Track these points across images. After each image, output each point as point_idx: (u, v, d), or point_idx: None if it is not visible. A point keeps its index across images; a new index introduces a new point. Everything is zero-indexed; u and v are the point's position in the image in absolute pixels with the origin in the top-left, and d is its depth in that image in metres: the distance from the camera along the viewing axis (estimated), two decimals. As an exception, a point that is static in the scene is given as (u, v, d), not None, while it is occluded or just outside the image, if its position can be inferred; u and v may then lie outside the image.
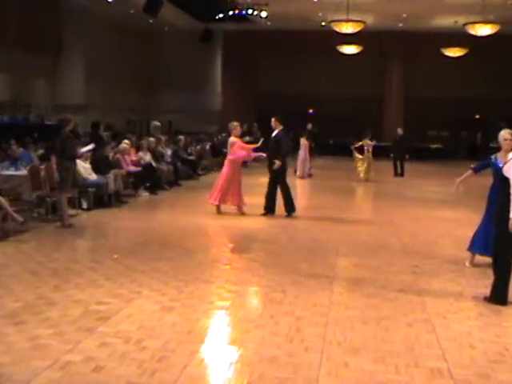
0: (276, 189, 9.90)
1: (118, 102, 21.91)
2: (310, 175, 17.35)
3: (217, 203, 9.88)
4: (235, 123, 10.14)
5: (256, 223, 9.42)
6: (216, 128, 25.51)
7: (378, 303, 5.26)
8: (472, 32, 19.43)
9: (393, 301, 5.35)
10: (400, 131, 18.32)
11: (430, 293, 5.64)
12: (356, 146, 17.17)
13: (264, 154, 10.04)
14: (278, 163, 9.84)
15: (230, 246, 7.93)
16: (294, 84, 28.07)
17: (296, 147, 17.52)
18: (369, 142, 16.68)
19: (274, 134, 9.93)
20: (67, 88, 19.47)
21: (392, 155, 17.74)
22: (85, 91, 19.89)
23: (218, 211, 9.95)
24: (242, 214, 9.96)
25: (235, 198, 9.95)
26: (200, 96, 25.95)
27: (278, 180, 9.86)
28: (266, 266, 6.58)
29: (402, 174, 17.68)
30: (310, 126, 18.36)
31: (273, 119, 10.02)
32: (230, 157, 9.96)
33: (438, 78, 27.07)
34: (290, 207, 9.88)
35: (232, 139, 10.01)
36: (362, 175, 16.57)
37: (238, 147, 9.87)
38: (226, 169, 9.95)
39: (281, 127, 9.95)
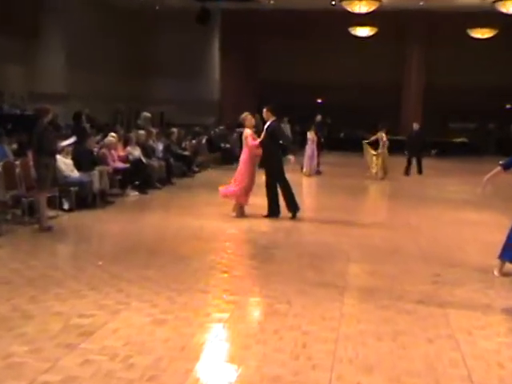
0: (276, 189, 9.89)
1: (103, 90, 21.90)
2: (318, 172, 17.36)
3: (226, 197, 9.90)
4: (245, 113, 10.11)
5: (258, 226, 9.42)
6: (213, 120, 25.52)
7: (394, 316, 5.25)
8: (503, 10, 19.35)
9: (411, 314, 5.34)
10: (416, 126, 18.32)
11: (453, 305, 5.62)
12: (369, 140, 17.16)
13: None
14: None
15: (229, 251, 7.92)
16: (300, 71, 28.10)
17: (303, 141, 17.53)
18: (384, 137, 16.67)
19: (266, 126, 9.92)
20: (45, 74, 19.44)
21: (406, 152, 17.69)
22: (65, 78, 19.88)
23: (241, 213, 9.90)
24: (242, 214, 9.94)
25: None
26: (195, 84, 25.95)
27: (276, 178, 9.83)
28: (269, 274, 6.57)
29: (420, 172, 17.70)
30: (319, 117, 18.33)
31: (264, 109, 10.00)
32: (245, 151, 9.91)
33: (464, 63, 27.00)
34: (292, 206, 9.86)
35: (245, 132, 9.97)
36: (376, 173, 16.57)
37: (251, 140, 9.82)
38: (242, 166, 9.87)
39: (273, 118, 9.95)
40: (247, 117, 10.02)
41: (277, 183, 9.86)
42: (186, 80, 25.72)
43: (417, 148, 17.70)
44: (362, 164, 17.47)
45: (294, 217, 9.85)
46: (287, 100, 25.87)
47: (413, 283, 6.33)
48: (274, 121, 9.95)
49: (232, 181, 10.00)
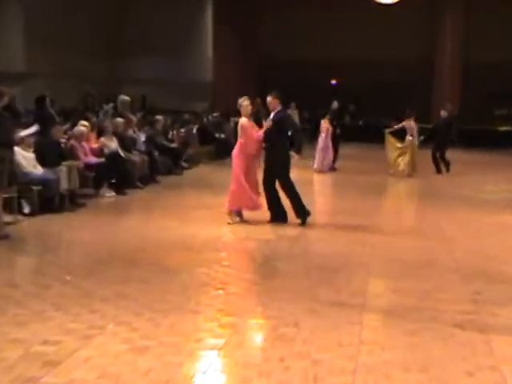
0: (275, 189, 9.89)
1: (71, 69, 21.88)
2: (333, 169, 17.35)
3: (231, 210, 9.87)
4: (243, 98, 10.07)
5: (259, 233, 9.41)
6: (206, 105, 25.53)
7: (424, 343, 5.23)
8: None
9: (445, 340, 5.31)
10: (444, 113, 18.20)
11: (496, 329, 5.60)
12: (392, 129, 17.10)
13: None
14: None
15: (224, 263, 7.90)
16: (309, 46, 28.07)
17: (313, 131, 17.51)
18: (414, 125, 16.61)
19: (272, 116, 9.89)
20: (2, 52, 19.42)
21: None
22: (26, 55, 19.89)
23: (239, 218, 9.94)
24: (240, 219, 9.93)
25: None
26: (184, 63, 25.99)
27: (279, 177, 9.79)
28: (273, 291, 6.56)
29: (447, 169, 17.51)
30: (335, 104, 18.28)
31: (270, 97, 9.94)
32: (238, 144, 9.91)
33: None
34: (301, 211, 9.82)
35: (241, 121, 9.94)
36: (402, 169, 16.53)
37: (249, 132, 9.77)
38: (235, 160, 9.83)
39: (280, 107, 9.97)
40: (243, 103, 9.98)
41: (275, 183, 9.81)
42: (172, 58, 25.76)
43: (445, 140, 17.57)
44: (384, 158, 17.47)
45: (303, 223, 9.83)
46: (293, 80, 25.89)
47: (447, 303, 6.31)
48: (279, 111, 9.96)
49: (229, 197, 9.89)
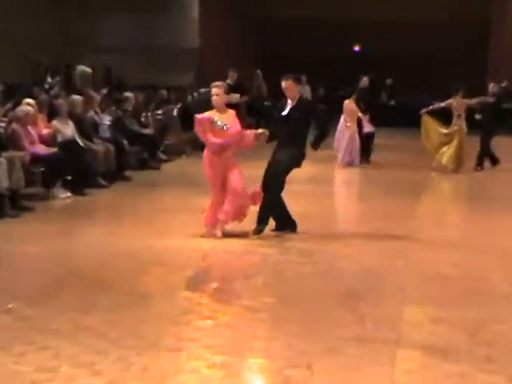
0: (279, 192, 9.92)
1: (13, 33, 21.81)
2: (367, 162, 17.45)
3: (206, 224, 9.94)
4: (215, 83, 10.05)
5: (260, 245, 9.44)
6: (190, 79, 25.52)
7: (476, 388, 5.22)
8: None
9: (503, 384, 5.30)
10: (493, 88, 17.97)
11: None
12: (429, 109, 17.02)
13: (261, 131, 10.01)
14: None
15: (213, 285, 7.90)
16: (325, 3, 28.06)
17: (331, 113, 17.50)
18: (465, 101, 16.51)
19: (292, 105, 9.90)
20: None
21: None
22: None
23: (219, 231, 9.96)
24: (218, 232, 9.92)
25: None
26: (161, 24, 25.97)
27: (274, 176, 9.81)
28: (278, 322, 6.58)
29: (481, 163, 17.39)
30: (365, 80, 18.12)
31: (286, 82, 9.85)
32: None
33: None
34: (264, 219, 9.88)
35: (208, 115, 10.03)
36: (445, 163, 16.52)
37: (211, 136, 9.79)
38: (205, 166, 9.90)
39: (298, 95, 10.05)
40: (212, 90, 9.91)
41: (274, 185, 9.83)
42: (146, 17, 25.73)
43: (496, 122, 17.49)
44: (424, 148, 17.49)
45: (258, 231, 9.82)
46: (302, 47, 25.91)
47: (506, 337, 6.30)
48: (300, 98, 10.08)
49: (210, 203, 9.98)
